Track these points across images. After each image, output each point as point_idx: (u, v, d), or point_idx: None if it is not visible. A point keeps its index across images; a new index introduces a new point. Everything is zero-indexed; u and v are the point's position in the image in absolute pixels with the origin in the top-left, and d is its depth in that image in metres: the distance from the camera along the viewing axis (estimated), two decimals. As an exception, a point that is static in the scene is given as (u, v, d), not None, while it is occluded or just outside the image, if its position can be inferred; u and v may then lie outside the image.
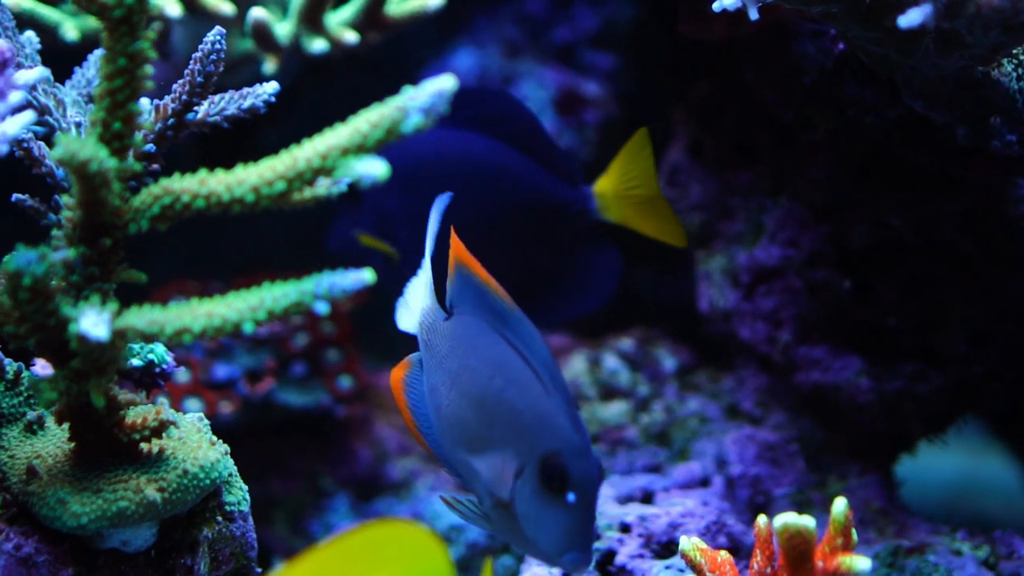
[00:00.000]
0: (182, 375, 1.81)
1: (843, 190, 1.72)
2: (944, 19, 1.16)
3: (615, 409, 1.91)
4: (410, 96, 1.08)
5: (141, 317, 1.10)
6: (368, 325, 2.05)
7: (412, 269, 1.36)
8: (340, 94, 1.97)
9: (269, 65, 1.73)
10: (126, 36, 1.12)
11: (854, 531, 1.21)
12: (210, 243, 2.25)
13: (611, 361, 1.96)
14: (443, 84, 1.07)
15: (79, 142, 1.06)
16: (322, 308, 1.09)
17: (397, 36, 1.84)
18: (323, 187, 1.19)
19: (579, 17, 2.07)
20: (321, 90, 2.11)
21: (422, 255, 1.34)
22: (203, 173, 1.12)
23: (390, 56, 2.02)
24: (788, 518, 1.16)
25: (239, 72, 1.77)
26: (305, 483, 1.90)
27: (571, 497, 1.12)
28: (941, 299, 1.72)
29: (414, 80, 2.14)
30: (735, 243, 1.87)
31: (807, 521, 1.16)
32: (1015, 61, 1.42)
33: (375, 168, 1.08)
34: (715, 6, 1.28)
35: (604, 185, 1.66)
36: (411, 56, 2.16)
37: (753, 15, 1.26)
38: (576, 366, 1.95)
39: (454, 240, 1.27)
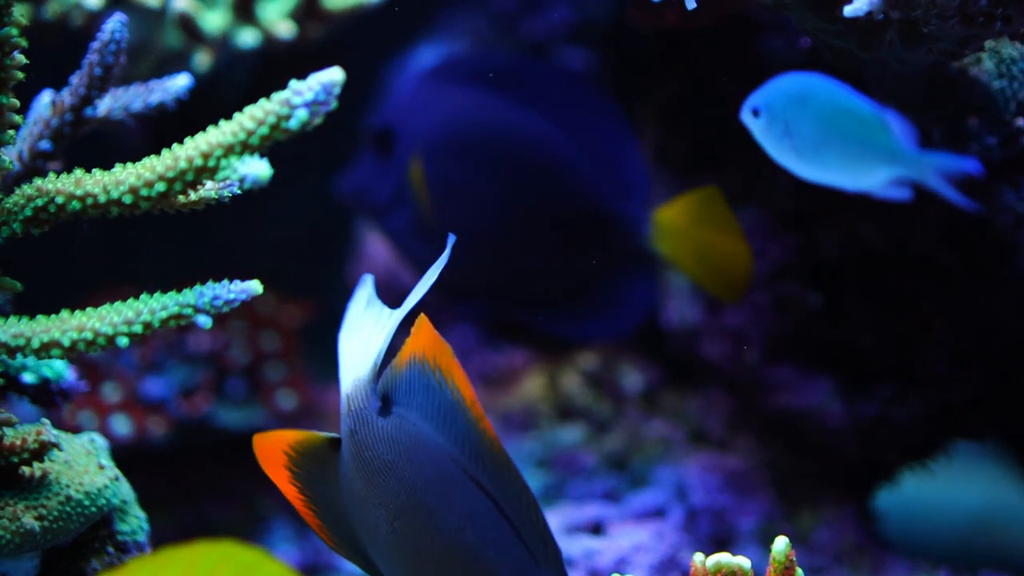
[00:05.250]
0: (110, 391, 1.71)
1: (812, 196, 1.59)
2: (895, 9, 1.04)
3: (572, 432, 1.78)
4: (295, 91, 1.02)
5: (6, 330, 1.06)
6: (321, 337, 1.95)
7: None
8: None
9: (201, 60, 1.63)
10: (-11, 22, 1.05)
11: (799, 571, 1.13)
12: (197, 244, 2.18)
13: (571, 379, 1.83)
14: (331, 77, 1.02)
15: (-71, 137, 0.99)
16: (204, 322, 1.04)
17: (362, 30, 1.76)
18: (212, 189, 1.12)
19: (554, 12, 1.96)
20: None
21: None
22: (79, 173, 1.08)
23: (363, 51, 1.93)
24: (721, 558, 1.10)
25: (174, 67, 1.66)
26: (244, 507, 1.79)
27: None
28: (920, 316, 1.58)
29: (376, 77, 2.07)
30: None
31: (742, 561, 1.10)
32: (996, 57, 1.31)
33: (259, 169, 1.03)
34: (651, -9, 1.16)
35: (667, 216, 1.53)
36: (383, 51, 2.07)
37: (690, 4, 1.14)
38: (532, 385, 1.82)
39: (423, 321, 0.97)
